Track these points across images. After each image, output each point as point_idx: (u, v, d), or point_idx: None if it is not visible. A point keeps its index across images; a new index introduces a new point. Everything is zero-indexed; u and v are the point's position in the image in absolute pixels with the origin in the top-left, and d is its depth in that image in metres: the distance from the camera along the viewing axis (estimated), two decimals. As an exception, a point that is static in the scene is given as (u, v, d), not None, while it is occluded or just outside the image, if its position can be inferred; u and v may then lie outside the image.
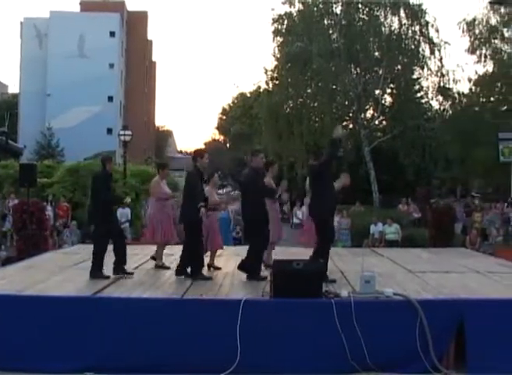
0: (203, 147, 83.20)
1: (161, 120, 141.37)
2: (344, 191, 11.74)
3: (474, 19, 36.07)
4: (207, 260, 11.61)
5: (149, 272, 11.23)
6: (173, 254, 12.84)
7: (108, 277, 10.32)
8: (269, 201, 11.20)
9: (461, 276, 10.77)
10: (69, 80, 62.25)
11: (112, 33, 67.68)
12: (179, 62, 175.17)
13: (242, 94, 61.20)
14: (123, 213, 23.26)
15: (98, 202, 10.46)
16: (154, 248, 12.55)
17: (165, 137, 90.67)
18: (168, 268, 11.70)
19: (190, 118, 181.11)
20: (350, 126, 37.38)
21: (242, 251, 13.77)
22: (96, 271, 10.36)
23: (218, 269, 11.85)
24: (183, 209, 10.80)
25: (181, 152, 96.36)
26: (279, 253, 11.91)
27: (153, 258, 12.17)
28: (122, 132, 31.58)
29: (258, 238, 10.56)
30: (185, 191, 10.99)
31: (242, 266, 10.58)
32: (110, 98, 66.51)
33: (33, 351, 8.31)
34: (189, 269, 10.61)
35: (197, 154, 11.01)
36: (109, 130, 62.95)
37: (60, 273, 11.03)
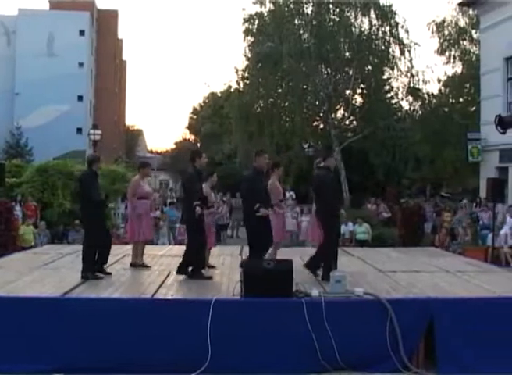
0: (173, 147, 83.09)
1: (132, 120, 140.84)
2: None
3: (444, 21, 36.38)
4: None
5: (119, 272, 11.14)
6: (144, 253, 12.80)
7: (101, 278, 10.32)
8: (275, 202, 11.21)
9: (431, 275, 10.84)
10: (38, 79, 61.60)
11: (82, 32, 67.01)
12: (150, 61, 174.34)
13: (213, 94, 60.99)
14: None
15: (88, 203, 10.35)
16: (126, 248, 12.47)
17: (135, 136, 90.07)
18: (137, 267, 11.64)
19: (160, 117, 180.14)
20: (321, 126, 37.52)
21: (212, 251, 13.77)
22: (88, 271, 10.27)
23: (213, 267, 11.84)
24: (185, 211, 10.90)
25: (151, 152, 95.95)
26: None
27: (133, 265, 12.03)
28: (91, 131, 31.40)
29: (259, 242, 10.50)
30: (185, 192, 10.99)
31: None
32: (80, 97, 65.92)
33: (1, 352, 8.23)
34: (190, 269, 10.60)
35: (195, 154, 11.05)
36: (79, 130, 62.44)
37: (30, 273, 10.91)
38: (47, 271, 11.20)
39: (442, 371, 8.25)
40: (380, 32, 32.72)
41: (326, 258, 10.49)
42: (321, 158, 11.24)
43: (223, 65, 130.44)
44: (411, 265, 12.40)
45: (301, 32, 33.24)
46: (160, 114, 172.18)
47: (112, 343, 8.24)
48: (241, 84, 36.87)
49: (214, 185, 12.64)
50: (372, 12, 32.63)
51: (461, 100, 37.02)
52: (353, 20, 32.87)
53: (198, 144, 68.49)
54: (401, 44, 32.71)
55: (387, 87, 36.23)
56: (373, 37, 32.72)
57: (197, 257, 10.53)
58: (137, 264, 11.75)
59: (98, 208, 10.58)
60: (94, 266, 10.40)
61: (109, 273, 10.60)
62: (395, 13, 32.70)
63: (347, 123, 36.40)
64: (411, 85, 33.52)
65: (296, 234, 23.56)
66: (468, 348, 8.36)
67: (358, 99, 36.64)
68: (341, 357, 8.21)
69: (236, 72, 36.35)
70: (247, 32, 34.55)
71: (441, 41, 36.41)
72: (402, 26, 32.69)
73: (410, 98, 34.53)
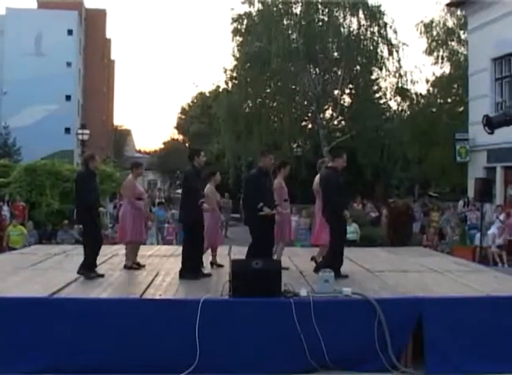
0: (162, 146, 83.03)
1: (120, 119, 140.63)
2: None
3: (432, 22, 36.46)
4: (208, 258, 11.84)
5: (107, 272, 11.07)
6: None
7: (101, 276, 10.31)
8: (279, 201, 11.28)
9: (419, 275, 10.86)
10: (26, 78, 61.46)
11: (70, 31, 66.92)
12: (138, 60, 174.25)
13: (201, 94, 60.91)
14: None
15: (82, 204, 10.30)
16: (114, 248, 12.41)
17: (123, 136, 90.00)
18: (139, 268, 11.57)
19: (148, 117, 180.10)
20: (309, 126, 37.56)
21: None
22: (86, 270, 10.28)
23: (221, 266, 11.81)
24: (182, 208, 10.77)
25: (140, 152, 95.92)
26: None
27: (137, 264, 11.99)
28: (80, 131, 31.34)
29: (261, 242, 10.54)
30: (184, 190, 10.97)
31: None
32: (68, 97, 65.84)
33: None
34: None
35: (194, 152, 10.95)
36: (67, 129, 62.33)
37: (17, 273, 10.84)
38: (34, 271, 11.13)
39: (430, 370, 8.27)
40: (368, 32, 32.80)
41: (335, 258, 10.50)
42: (331, 157, 11.30)
43: (212, 65, 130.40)
44: (400, 265, 12.42)
45: (290, 32, 33.25)
46: (148, 114, 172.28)
47: (100, 343, 8.21)
48: (230, 84, 36.90)
49: (217, 184, 12.59)
50: (361, 12, 32.69)
51: (449, 100, 37.12)
52: (341, 20, 32.93)
53: (187, 144, 68.42)
54: (389, 44, 32.79)
55: (375, 88, 36.31)
56: (361, 37, 32.79)
57: (188, 256, 10.49)
58: (127, 265, 11.68)
59: (93, 209, 10.49)
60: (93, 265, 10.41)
61: (101, 275, 10.50)
62: (383, 14, 32.80)
63: (336, 123, 36.46)
64: (399, 85, 33.62)
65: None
66: (456, 347, 8.39)
67: (347, 99, 36.75)
68: (329, 356, 8.22)
69: (225, 72, 36.41)
70: (236, 32, 34.56)
71: (429, 41, 36.50)
72: (390, 27, 32.81)
73: (399, 98, 34.65)
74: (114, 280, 10.39)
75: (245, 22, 34.40)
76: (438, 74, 37.83)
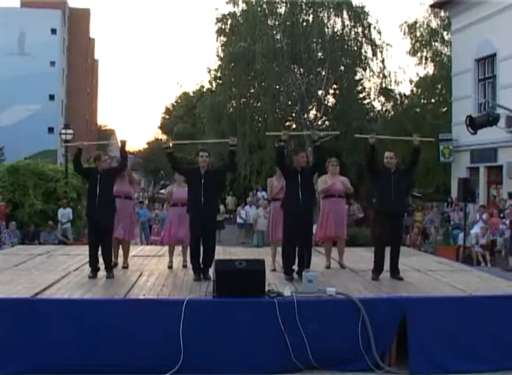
0: (146, 146, 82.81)
1: (104, 119, 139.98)
2: None
3: (416, 22, 36.64)
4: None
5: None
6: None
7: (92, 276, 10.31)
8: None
9: (403, 274, 10.83)
10: (9, 78, 61.06)
11: (54, 31, 66.58)
12: (122, 60, 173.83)
13: (185, 94, 60.85)
14: (64, 214, 22.97)
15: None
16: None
17: (107, 136, 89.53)
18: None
19: (132, 117, 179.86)
20: (294, 126, 37.58)
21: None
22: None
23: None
24: None
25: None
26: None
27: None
28: (63, 131, 31.10)
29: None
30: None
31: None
32: (51, 97, 65.47)
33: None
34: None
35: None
36: (50, 129, 61.97)
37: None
38: (17, 272, 11.03)
39: (414, 370, 8.30)
40: (353, 33, 32.86)
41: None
42: None
43: (196, 65, 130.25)
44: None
45: (274, 32, 33.24)
46: (132, 114, 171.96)
47: (84, 344, 8.17)
48: (214, 84, 36.92)
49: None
50: (345, 12, 32.73)
51: (433, 101, 37.27)
52: (326, 21, 32.94)
53: (170, 144, 68.09)
54: (373, 44, 32.86)
55: (359, 88, 36.38)
56: (346, 37, 32.84)
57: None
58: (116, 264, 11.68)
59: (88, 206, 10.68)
60: (93, 263, 10.44)
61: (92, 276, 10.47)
62: (367, 14, 32.86)
63: (320, 123, 36.42)
64: (383, 86, 33.72)
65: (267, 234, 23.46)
66: (440, 347, 8.43)
67: (331, 99, 36.75)
68: (313, 356, 8.23)
69: (209, 72, 36.44)
70: (220, 32, 34.53)
71: (413, 42, 36.66)
72: (374, 27, 32.88)
73: (383, 99, 34.78)
74: (98, 280, 10.34)
75: (229, 22, 34.38)
76: (421, 75, 38.02)
